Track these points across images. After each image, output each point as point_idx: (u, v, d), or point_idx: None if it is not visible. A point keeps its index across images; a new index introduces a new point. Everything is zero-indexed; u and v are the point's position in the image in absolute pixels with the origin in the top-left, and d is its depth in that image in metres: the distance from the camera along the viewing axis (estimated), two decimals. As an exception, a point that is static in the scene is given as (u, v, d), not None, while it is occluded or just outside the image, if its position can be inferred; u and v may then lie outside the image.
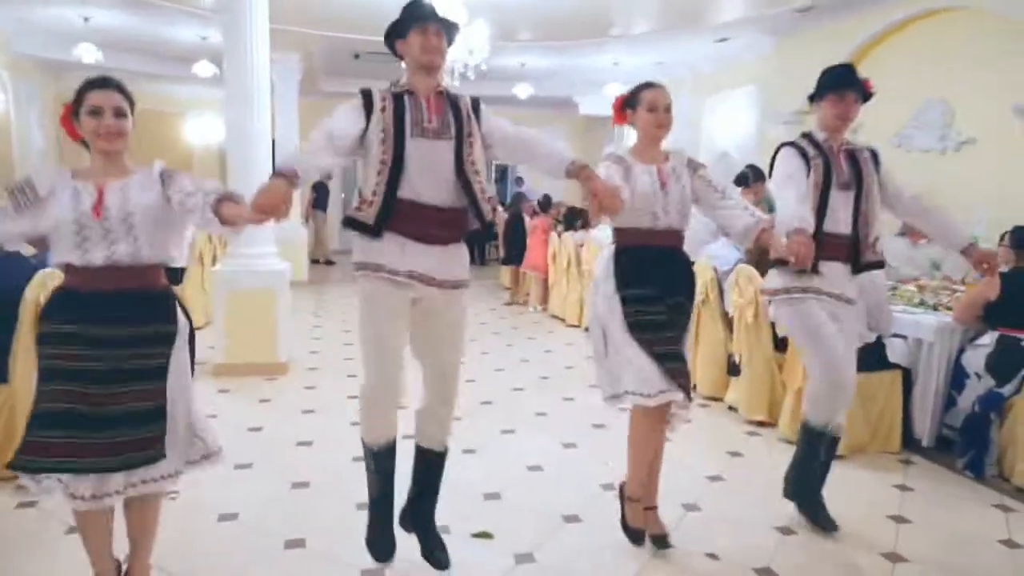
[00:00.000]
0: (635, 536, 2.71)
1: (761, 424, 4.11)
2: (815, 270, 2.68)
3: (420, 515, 2.57)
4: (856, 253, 2.76)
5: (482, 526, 2.83)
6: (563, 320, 7.40)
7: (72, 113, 2.03)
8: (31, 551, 2.64)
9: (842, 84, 2.71)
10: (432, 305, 2.34)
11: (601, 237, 6.84)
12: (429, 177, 2.25)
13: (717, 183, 2.64)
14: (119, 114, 2.01)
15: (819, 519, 2.87)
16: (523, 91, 10.78)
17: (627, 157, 2.59)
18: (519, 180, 14.49)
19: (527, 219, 8.67)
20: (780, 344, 3.96)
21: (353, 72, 11.31)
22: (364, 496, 2.70)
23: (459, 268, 2.38)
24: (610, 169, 2.53)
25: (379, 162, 2.22)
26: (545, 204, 8.71)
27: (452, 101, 2.34)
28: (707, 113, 9.93)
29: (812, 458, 2.90)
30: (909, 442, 3.75)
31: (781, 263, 2.72)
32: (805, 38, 7.75)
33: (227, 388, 4.69)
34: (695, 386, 4.83)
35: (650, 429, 2.62)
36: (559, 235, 7.77)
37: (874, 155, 2.82)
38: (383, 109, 2.24)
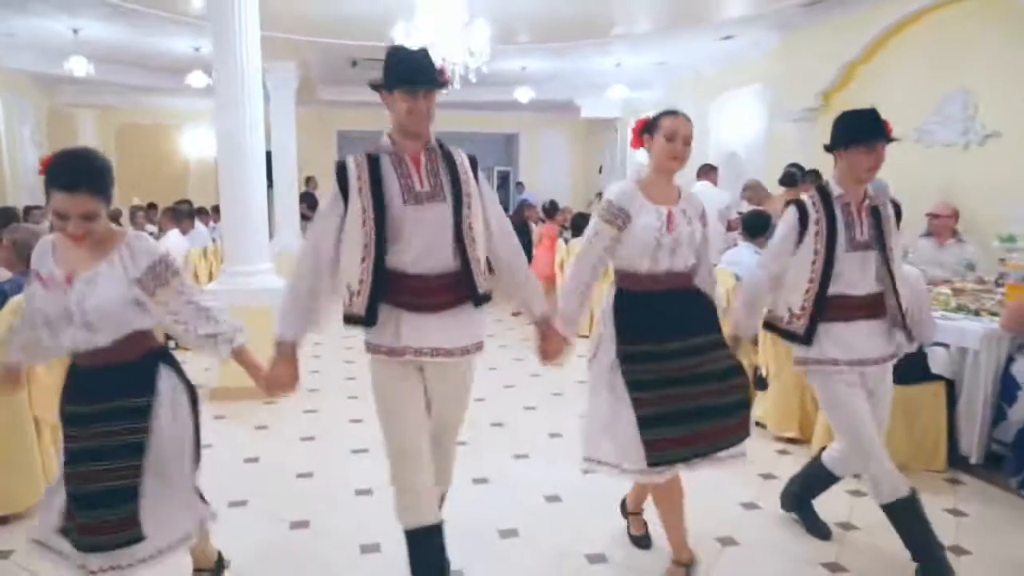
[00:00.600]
0: (640, 543, 2.78)
1: (791, 441, 3.84)
2: (808, 339, 2.52)
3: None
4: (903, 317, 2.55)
5: (498, 569, 2.58)
6: (572, 330, 7.14)
7: (47, 170, 1.85)
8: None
9: (872, 134, 2.43)
10: (439, 369, 2.20)
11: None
12: (419, 246, 2.07)
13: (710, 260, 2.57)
14: (88, 218, 1.83)
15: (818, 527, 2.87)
16: (524, 95, 10.55)
17: (631, 202, 2.36)
18: (519, 186, 14.26)
19: (532, 227, 8.41)
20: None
21: (351, 80, 11.09)
22: (369, 536, 2.64)
23: (469, 334, 2.18)
24: (601, 234, 2.39)
25: (362, 246, 2.05)
26: (551, 210, 8.44)
27: (447, 156, 2.16)
28: (713, 114, 9.70)
29: (817, 485, 2.92)
30: (955, 459, 3.48)
31: (773, 328, 2.66)
32: (813, 33, 7.51)
33: (222, 414, 4.44)
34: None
35: (642, 487, 2.67)
36: (567, 242, 7.52)
37: (897, 209, 2.62)
38: (360, 190, 2.06)
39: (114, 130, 12.50)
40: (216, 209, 8.95)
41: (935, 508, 3.06)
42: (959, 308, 3.82)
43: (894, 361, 2.63)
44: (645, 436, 2.24)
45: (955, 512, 3.04)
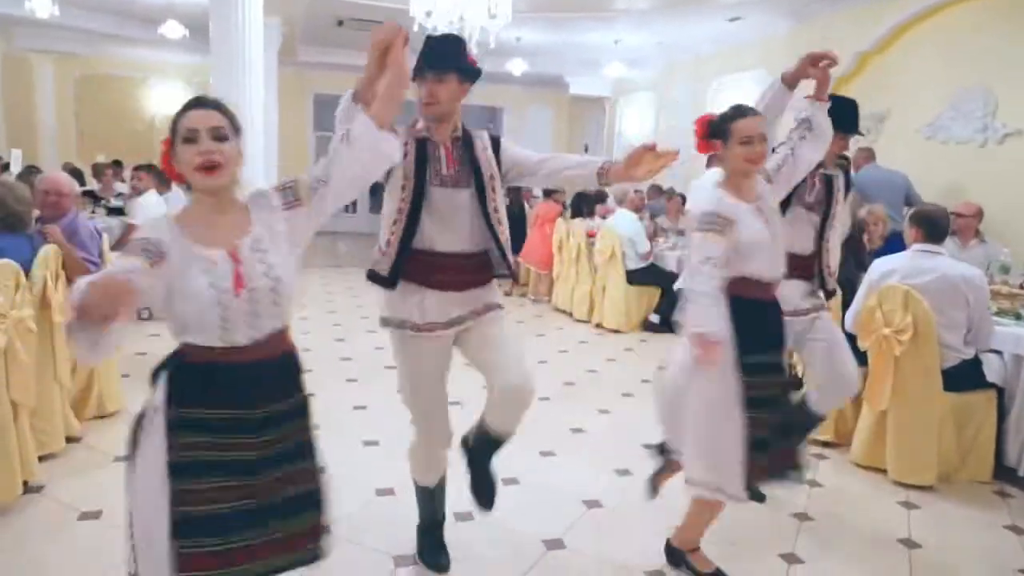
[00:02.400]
0: None
1: (827, 445, 3.67)
2: None
3: (478, 459, 2.32)
4: (820, 275, 2.82)
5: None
6: (570, 314, 6.90)
7: (170, 146, 1.60)
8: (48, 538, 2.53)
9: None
10: (469, 332, 2.25)
11: (615, 224, 6.35)
12: (445, 226, 2.16)
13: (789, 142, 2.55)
14: (218, 137, 1.55)
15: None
16: (517, 67, 10.18)
17: (727, 206, 2.19)
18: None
19: (527, 206, 8.09)
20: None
21: (334, 41, 10.59)
22: (397, 547, 2.55)
23: (484, 300, 2.26)
24: (709, 245, 2.15)
25: (396, 210, 2.14)
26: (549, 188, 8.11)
27: (468, 145, 2.21)
28: (709, 98, 9.48)
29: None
30: (1000, 470, 3.35)
31: None
32: (826, 20, 7.32)
33: (213, 396, 4.07)
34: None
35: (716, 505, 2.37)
36: (566, 220, 7.25)
37: (847, 180, 2.91)
38: (405, 155, 2.11)
39: (73, 80, 11.68)
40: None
41: (993, 524, 2.94)
42: (1000, 312, 3.69)
43: (816, 315, 2.82)
44: (753, 458, 2.14)
45: (1016, 529, 2.89)
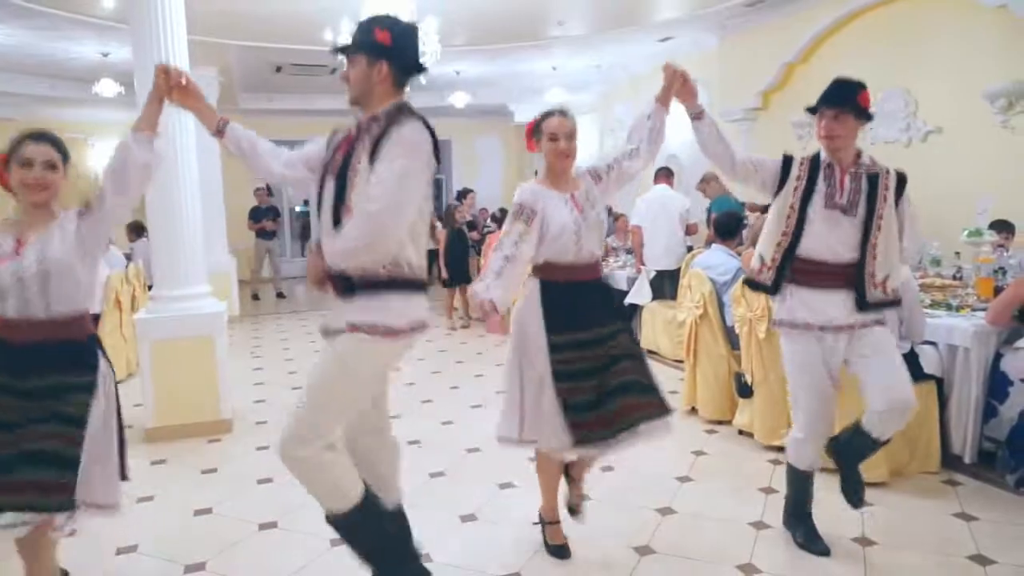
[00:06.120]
0: (560, 552, 2.71)
1: (782, 450, 3.71)
2: (776, 290, 2.63)
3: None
4: (860, 287, 2.52)
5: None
6: (528, 341, 6.91)
7: (5, 162, 2.12)
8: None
9: (823, 101, 2.61)
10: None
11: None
12: (321, 219, 2.03)
13: (618, 155, 2.65)
14: (49, 167, 2.12)
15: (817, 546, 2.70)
16: (460, 100, 10.28)
17: (537, 196, 2.47)
18: (467, 193, 13.78)
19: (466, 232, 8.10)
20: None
21: (275, 87, 10.60)
22: None
23: (351, 312, 2.02)
24: (512, 231, 2.42)
25: None
26: (502, 219, 8.18)
27: (364, 128, 2.03)
28: (650, 115, 9.67)
29: (802, 497, 2.82)
30: (947, 459, 3.43)
31: (756, 286, 2.71)
32: (751, 34, 7.57)
33: (162, 458, 3.97)
34: (695, 409, 4.45)
35: (556, 464, 2.68)
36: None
37: (900, 180, 2.58)
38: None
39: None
40: (132, 227, 8.24)
41: (943, 514, 2.99)
42: (934, 304, 3.80)
43: (858, 330, 2.57)
44: (576, 418, 2.35)
45: (964, 516, 2.95)
